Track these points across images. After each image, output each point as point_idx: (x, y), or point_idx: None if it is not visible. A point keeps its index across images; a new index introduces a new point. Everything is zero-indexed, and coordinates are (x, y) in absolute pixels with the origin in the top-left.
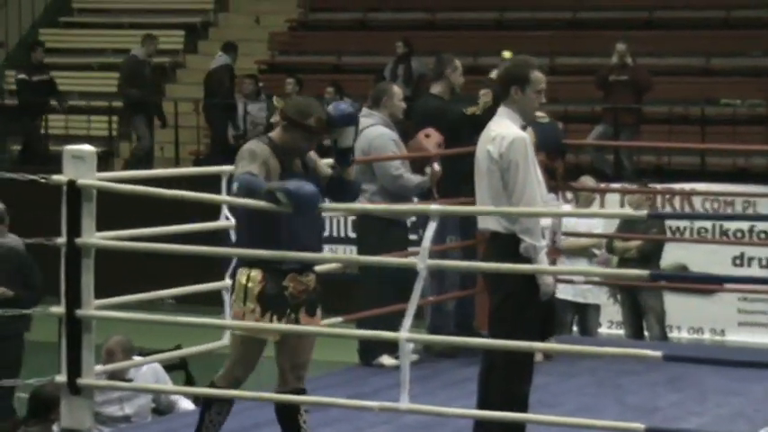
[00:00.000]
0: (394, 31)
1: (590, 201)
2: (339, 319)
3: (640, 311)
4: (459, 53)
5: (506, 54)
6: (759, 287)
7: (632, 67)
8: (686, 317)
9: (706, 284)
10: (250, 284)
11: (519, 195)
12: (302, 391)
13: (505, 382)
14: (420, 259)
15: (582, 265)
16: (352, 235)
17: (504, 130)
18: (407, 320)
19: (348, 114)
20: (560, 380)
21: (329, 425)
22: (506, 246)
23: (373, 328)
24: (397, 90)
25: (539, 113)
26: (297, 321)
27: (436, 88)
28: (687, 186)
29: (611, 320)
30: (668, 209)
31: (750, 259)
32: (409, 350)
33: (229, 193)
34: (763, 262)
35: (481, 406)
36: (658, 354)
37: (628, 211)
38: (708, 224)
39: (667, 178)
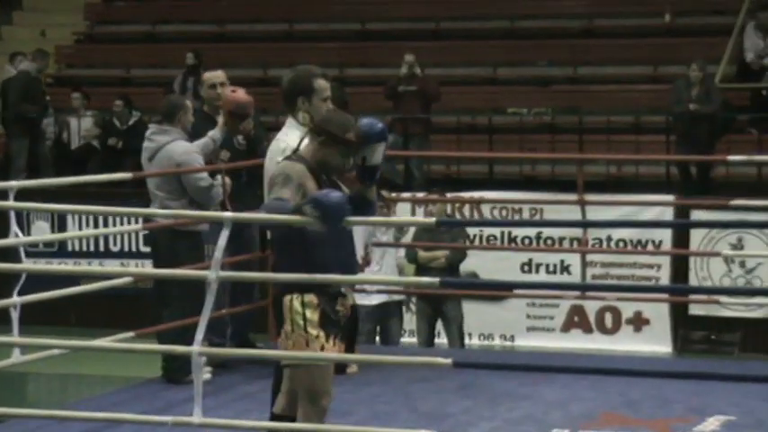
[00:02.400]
0: (183, 43)
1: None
2: (130, 333)
3: (437, 320)
4: (249, 65)
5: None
6: (547, 292)
7: (421, 78)
8: (477, 323)
9: (496, 291)
10: (308, 311)
11: None
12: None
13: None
14: (212, 271)
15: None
16: (144, 249)
17: (294, 142)
18: (199, 334)
19: (382, 130)
20: (354, 389)
21: None
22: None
23: (174, 342)
24: (190, 104)
25: None
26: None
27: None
28: (476, 194)
29: (404, 329)
30: (458, 217)
31: (538, 265)
32: (201, 364)
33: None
34: (551, 268)
35: (274, 417)
36: (449, 361)
37: (419, 219)
38: (497, 231)
39: (457, 187)
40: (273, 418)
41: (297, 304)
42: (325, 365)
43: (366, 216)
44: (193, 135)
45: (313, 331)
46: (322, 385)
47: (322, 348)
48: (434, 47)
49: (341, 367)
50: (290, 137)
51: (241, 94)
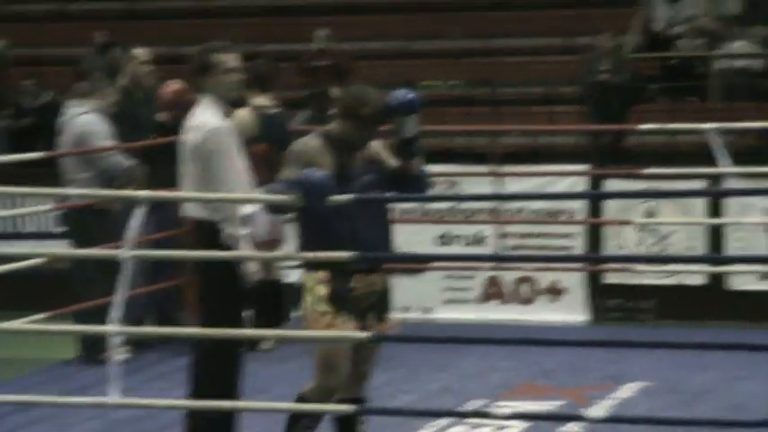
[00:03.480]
0: (94, 21)
1: None
2: (42, 315)
3: None
4: (160, 42)
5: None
6: (464, 264)
7: (334, 53)
8: (395, 297)
9: (413, 263)
10: (318, 287)
11: (217, 185)
12: (364, 401)
13: (212, 371)
14: (125, 249)
15: None
16: (59, 230)
17: (203, 120)
18: (115, 313)
19: (407, 102)
20: (271, 365)
21: (36, 424)
22: (209, 234)
23: (90, 322)
24: (114, 89)
25: (264, 102)
26: (365, 326)
27: (122, 81)
28: None
29: None
30: None
31: (455, 237)
32: (117, 343)
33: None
34: (468, 239)
35: (191, 396)
36: (366, 334)
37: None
38: (412, 204)
39: None
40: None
41: (309, 280)
42: (335, 344)
43: (413, 191)
44: (120, 113)
45: (320, 307)
46: (329, 363)
47: (331, 325)
48: (347, 21)
49: (254, 343)
50: (202, 115)
51: (179, 86)
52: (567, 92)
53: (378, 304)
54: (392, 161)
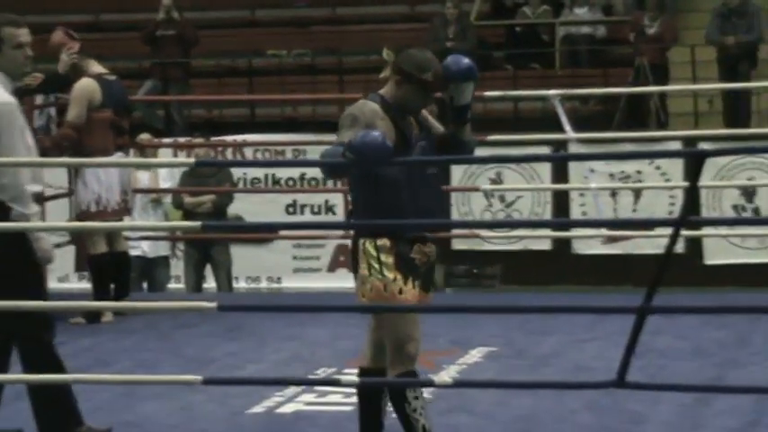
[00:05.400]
0: None
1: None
2: None
3: (205, 265)
4: None
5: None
6: (312, 233)
7: (179, 22)
8: (244, 267)
9: (261, 233)
10: (383, 255)
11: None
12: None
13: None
14: None
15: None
16: None
17: None
18: None
19: (468, 68)
20: (116, 337)
21: None
22: None
23: None
24: None
25: (102, 70)
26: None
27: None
28: (238, 138)
29: (171, 275)
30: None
31: (303, 206)
32: None
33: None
34: (315, 209)
35: (362, 372)
36: (213, 305)
37: (179, 159)
38: (261, 174)
39: (219, 131)
40: (361, 372)
41: (370, 248)
42: (408, 314)
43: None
44: None
45: (390, 274)
46: (405, 331)
47: (400, 292)
48: None
49: (95, 316)
50: None
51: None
52: None
53: (426, 275)
54: (439, 128)
